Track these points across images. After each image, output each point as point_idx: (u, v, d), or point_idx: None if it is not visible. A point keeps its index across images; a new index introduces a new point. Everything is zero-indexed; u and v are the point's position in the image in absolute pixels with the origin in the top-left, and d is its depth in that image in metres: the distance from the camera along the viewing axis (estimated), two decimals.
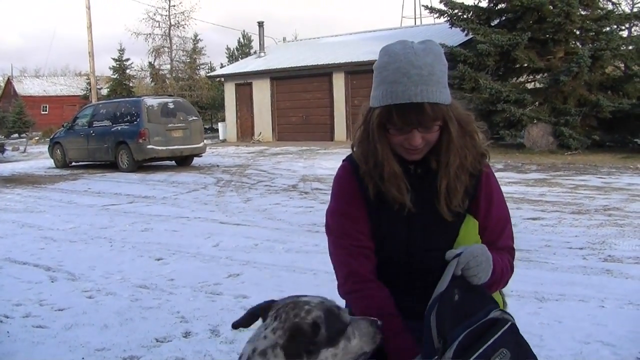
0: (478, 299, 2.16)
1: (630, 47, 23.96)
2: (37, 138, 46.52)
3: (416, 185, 2.35)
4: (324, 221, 2.58)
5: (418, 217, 2.35)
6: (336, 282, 2.49)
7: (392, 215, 2.35)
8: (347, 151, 2.59)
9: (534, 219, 10.64)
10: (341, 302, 2.32)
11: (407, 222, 2.35)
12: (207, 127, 43.16)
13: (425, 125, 2.22)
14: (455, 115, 2.31)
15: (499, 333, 2.05)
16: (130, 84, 56.11)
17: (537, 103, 23.83)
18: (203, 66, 56.21)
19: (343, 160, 2.51)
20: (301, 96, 33.48)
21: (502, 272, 2.33)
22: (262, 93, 35.14)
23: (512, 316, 2.19)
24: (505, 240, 2.50)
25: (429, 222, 2.35)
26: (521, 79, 25.52)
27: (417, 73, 2.15)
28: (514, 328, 2.12)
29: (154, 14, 49.78)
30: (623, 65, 24.95)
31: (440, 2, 25.85)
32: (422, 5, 27.25)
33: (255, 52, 43.67)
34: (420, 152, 2.29)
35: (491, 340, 2.02)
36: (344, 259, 2.38)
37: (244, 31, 65.49)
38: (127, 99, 26.10)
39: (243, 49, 64.08)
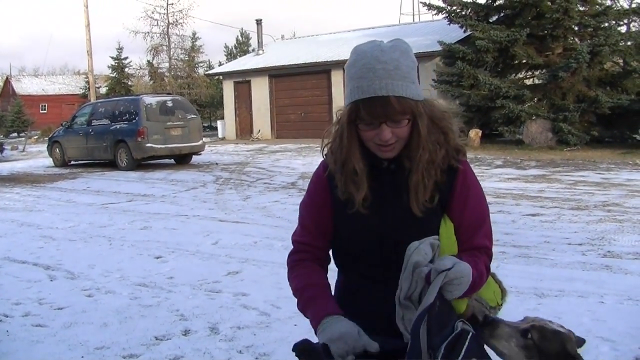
0: (449, 310, 2.18)
1: (629, 43, 23.96)
2: (35, 137, 46.48)
3: (389, 180, 2.37)
4: None
5: (389, 210, 2.36)
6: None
7: (362, 210, 2.35)
8: None
9: (533, 215, 10.65)
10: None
11: (378, 216, 2.35)
12: (205, 125, 43.15)
13: (393, 119, 2.22)
14: (427, 111, 2.30)
15: (466, 343, 2.07)
16: (129, 83, 56.06)
17: (535, 99, 23.83)
18: (201, 64, 56.23)
19: (323, 160, 2.55)
20: (300, 93, 33.44)
21: (474, 284, 2.26)
22: (260, 91, 35.12)
23: (471, 327, 2.19)
24: (481, 239, 2.41)
25: (399, 216, 2.34)
26: (520, 75, 25.52)
27: (382, 68, 2.18)
28: (476, 338, 2.13)
29: (152, 12, 49.80)
30: (622, 60, 24.91)
31: None
32: (421, 2, 27.15)
33: (253, 50, 43.64)
34: (393, 148, 2.29)
35: (463, 351, 2.04)
36: (292, 249, 2.55)
37: (242, 29, 65.48)
38: (125, 97, 25.99)
39: (241, 47, 64.02)
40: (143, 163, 22.21)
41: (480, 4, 25.30)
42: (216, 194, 14.65)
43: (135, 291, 7.20)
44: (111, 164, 22.57)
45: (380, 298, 2.34)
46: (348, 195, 2.36)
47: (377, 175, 2.36)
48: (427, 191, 2.32)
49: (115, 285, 7.45)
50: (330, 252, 2.54)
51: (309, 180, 2.58)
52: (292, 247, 2.54)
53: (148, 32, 50.03)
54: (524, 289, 6.59)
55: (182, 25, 50.84)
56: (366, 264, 2.39)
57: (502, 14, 25.17)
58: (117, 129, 22.00)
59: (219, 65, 51.74)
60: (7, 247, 9.81)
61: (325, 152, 2.48)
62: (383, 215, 2.35)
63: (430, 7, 26.38)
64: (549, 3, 23.04)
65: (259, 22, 38.92)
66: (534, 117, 22.82)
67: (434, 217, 2.36)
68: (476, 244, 2.38)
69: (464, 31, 25.87)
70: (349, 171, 2.33)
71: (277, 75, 34.45)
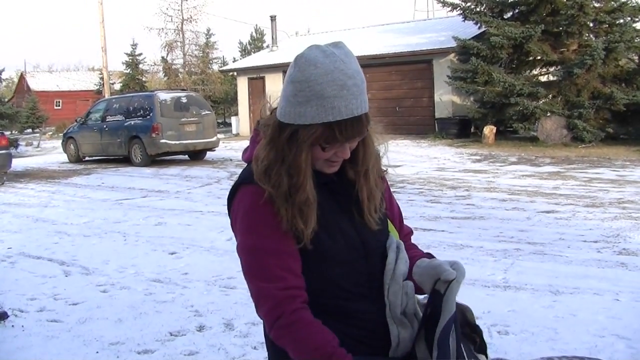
0: None
1: None
2: (50, 133, 46.70)
3: (341, 193, 2.27)
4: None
5: (355, 222, 2.26)
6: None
7: (308, 246, 2.15)
8: None
9: (547, 212, 10.61)
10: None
11: (354, 230, 2.25)
12: (220, 121, 43.19)
13: (362, 135, 2.13)
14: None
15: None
16: (143, 79, 56.15)
17: (550, 96, 23.72)
18: (216, 60, 56.15)
19: (244, 184, 2.22)
20: None
21: None
22: (274, 87, 35.08)
23: None
24: (406, 226, 2.57)
25: (366, 226, 2.27)
26: (534, 72, 25.39)
27: (354, 84, 2.03)
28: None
29: (167, 9, 49.86)
30: (637, 57, 24.77)
31: None
32: None
33: (267, 46, 43.64)
34: (340, 162, 2.20)
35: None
36: (272, 303, 2.15)
37: (256, 25, 65.54)
38: (140, 93, 26.09)
39: (255, 43, 64.06)
40: (157, 159, 22.26)
41: (495, 1, 25.18)
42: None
43: (150, 287, 7.22)
44: (125, 160, 22.65)
45: (372, 314, 2.21)
46: (294, 229, 2.12)
47: (324, 194, 2.20)
48: (378, 202, 2.29)
49: (130, 281, 7.48)
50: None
51: (240, 215, 2.20)
52: (271, 300, 2.16)
53: (162, 29, 50.08)
54: (539, 286, 6.57)
55: (196, 22, 50.85)
56: (350, 283, 2.22)
57: (516, 11, 25.05)
58: (132, 125, 22.06)
59: (233, 62, 51.75)
60: (22, 243, 9.86)
61: (257, 176, 2.15)
62: (356, 228, 2.25)
63: (444, 3, 26.26)
64: None
65: (273, 19, 38.90)
66: (548, 114, 22.73)
67: (386, 219, 2.37)
68: (406, 230, 2.55)
69: (479, 27, 25.77)
70: (300, 202, 2.10)
71: None
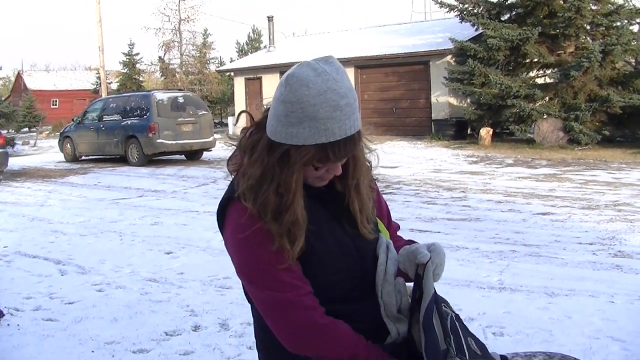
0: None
1: None
2: (47, 132, 46.59)
3: (331, 203, 2.24)
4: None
5: (347, 230, 2.23)
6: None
7: (294, 266, 2.12)
8: None
9: (543, 214, 10.62)
10: None
11: (347, 237, 2.23)
12: (216, 121, 43.17)
13: (354, 153, 2.11)
14: None
15: (457, 325, 2.14)
16: (140, 79, 56.11)
17: (547, 98, 23.76)
18: (213, 60, 56.13)
19: (232, 200, 2.17)
20: None
21: None
22: (271, 87, 34.82)
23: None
24: (394, 222, 2.57)
25: (358, 233, 2.25)
26: (531, 74, 25.43)
27: (347, 103, 1.97)
28: (459, 317, 2.20)
29: (164, 8, 49.85)
30: (633, 60, 24.82)
31: None
32: (432, 0, 27.06)
33: (265, 47, 43.67)
34: (330, 177, 2.17)
35: (461, 335, 2.10)
36: (294, 312, 2.09)
37: (253, 26, 65.61)
38: (137, 93, 26.06)
39: (253, 44, 64.09)
40: (154, 159, 22.24)
41: (492, 2, 25.26)
42: None
43: (146, 286, 7.22)
44: (122, 160, 22.61)
45: (366, 314, 2.21)
46: (280, 249, 2.07)
47: (315, 204, 2.17)
48: (369, 211, 2.27)
49: (125, 281, 7.48)
50: None
51: (234, 236, 2.15)
52: (297, 306, 2.09)
53: (159, 28, 50.12)
54: (534, 288, 6.59)
55: (193, 22, 50.89)
56: (344, 288, 2.20)
57: (514, 13, 25.13)
58: (128, 124, 22.03)
59: (230, 62, 51.82)
60: (19, 242, 9.85)
61: (241, 192, 2.10)
62: (349, 235, 2.23)
63: (442, 4, 26.29)
64: (561, 2, 22.99)
65: (270, 19, 38.95)
66: (545, 116, 22.78)
67: (377, 223, 2.37)
68: (394, 226, 2.56)
69: (476, 29, 25.82)
70: (288, 222, 2.06)
71: None
